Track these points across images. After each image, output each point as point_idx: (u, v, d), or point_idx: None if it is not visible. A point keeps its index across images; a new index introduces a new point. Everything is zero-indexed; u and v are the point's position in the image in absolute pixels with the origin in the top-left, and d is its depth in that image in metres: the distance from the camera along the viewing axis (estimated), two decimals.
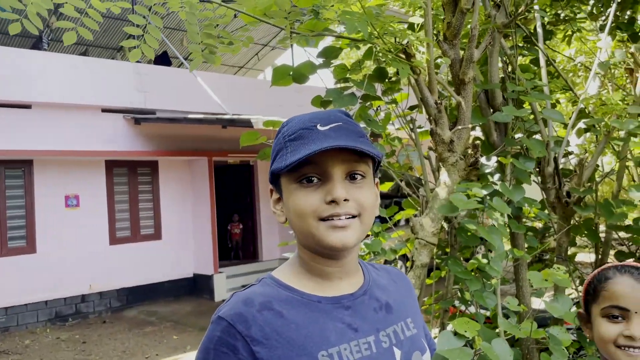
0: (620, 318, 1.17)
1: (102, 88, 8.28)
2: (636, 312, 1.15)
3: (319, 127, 0.91)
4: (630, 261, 1.25)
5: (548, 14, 3.44)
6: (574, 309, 2.39)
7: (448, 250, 2.69)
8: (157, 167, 9.37)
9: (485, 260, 2.25)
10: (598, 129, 2.62)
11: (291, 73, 2.41)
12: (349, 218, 0.90)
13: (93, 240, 8.53)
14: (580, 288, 2.68)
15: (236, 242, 10.92)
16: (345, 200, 0.89)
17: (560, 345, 2.09)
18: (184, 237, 9.59)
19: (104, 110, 8.39)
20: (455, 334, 2.02)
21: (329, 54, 2.49)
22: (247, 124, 7.13)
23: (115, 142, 8.38)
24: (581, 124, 2.84)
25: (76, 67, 8.15)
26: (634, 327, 1.14)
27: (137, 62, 9.62)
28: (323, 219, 0.90)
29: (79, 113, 8.11)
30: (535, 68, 2.94)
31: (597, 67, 2.73)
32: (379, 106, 2.73)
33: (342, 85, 2.48)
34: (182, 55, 11.27)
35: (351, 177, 0.92)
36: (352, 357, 0.89)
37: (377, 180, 1.00)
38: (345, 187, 0.90)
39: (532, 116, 2.56)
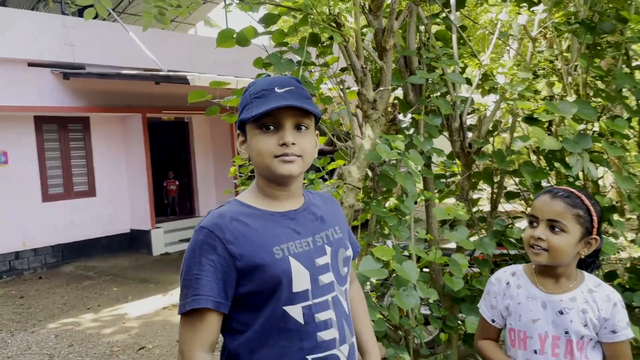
0: (534, 224, 1.54)
1: (27, 41, 7.99)
2: (542, 220, 1.52)
3: (276, 89, 1.26)
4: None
5: None
6: (473, 239, 2.92)
7: (372, 195, 3.13)
8: (89, 124, 9.23)
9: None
10: (497, 90, 3.10)
11: (234, 36, 2.69)
12: (295, 156, 1.26)
13: (24, 197, 8.40)
14: (481, 224, 3.23)
15: (172, 198, 11.05)
16: (293, 144, 1.25)
17: (458, 266, 2.60)
18: (119, 194, 9.61)
19: (31, 65, 8.14)
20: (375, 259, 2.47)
21: (269, 20, 2.77)
22: (183, 80, 7.21)
23: (44, 97, 8.18)
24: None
25: None
26: (538, 230, 1.52)
27: (64, 14, 9.27)
28: (276, 156, 1.25)
29: (3, 67, 7.82)
30: (451, 34, 3.35)
31: (497, 36, 3.20)
32: (312, 68, 3.06)
33: (281, 49, 2.78)
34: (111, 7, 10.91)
35: (298, 127, 1.28)
36: (296, 250, 1.27)
37: (317, 132, 1.38)
38: (293, 135, 1.26)
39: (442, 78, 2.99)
